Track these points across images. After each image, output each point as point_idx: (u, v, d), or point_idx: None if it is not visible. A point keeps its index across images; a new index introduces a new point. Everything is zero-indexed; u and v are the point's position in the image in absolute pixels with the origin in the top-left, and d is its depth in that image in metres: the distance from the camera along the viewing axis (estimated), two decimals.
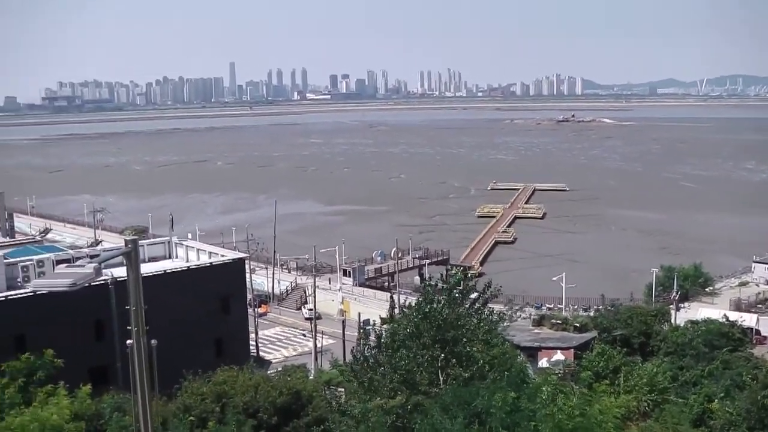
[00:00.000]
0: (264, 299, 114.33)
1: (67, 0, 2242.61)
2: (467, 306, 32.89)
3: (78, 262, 12.22)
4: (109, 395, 35.73)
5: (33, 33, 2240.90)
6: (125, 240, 13.51)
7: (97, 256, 46.46)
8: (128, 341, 13.39)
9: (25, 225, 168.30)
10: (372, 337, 34.09)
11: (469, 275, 35.03)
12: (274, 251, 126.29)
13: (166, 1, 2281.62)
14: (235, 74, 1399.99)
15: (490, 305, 34.19)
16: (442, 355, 30.51)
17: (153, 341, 13.63)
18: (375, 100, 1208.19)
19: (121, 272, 28.78)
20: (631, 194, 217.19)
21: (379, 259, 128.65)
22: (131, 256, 13.16)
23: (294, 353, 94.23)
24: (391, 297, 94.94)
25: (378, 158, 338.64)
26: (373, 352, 33.01)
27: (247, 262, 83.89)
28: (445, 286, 32.33)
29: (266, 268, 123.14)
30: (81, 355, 52.65)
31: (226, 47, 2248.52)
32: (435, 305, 31.03)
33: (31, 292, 64.43)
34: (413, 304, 33.57)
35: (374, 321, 57.13)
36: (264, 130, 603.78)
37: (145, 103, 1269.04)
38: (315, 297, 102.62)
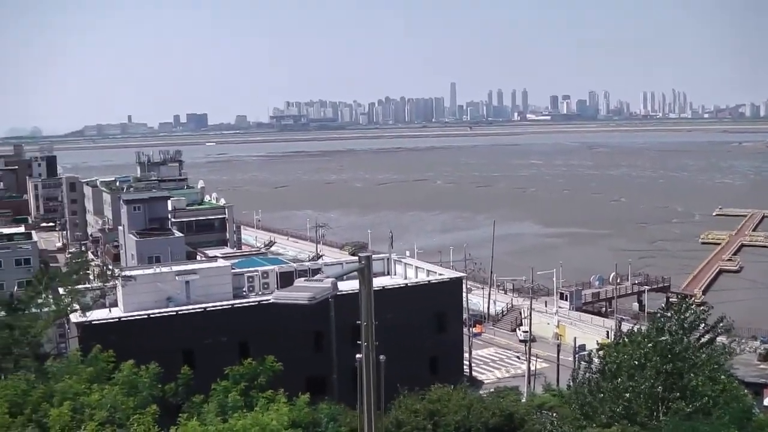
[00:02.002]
0: (479, 319, 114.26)
1: (294, 23, 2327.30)
2: (696, 338, 31.61)
3: (316, 277, 12.57)
4: (326, 405, 36.56)
5: (262, 56, 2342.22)
6: (359, 257, 13.71)
7: (318, 270, 47.97)
8: (357, 355, 13.56)
9: (251, 237, 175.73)
10: (596, 361, 33.34)
11: (703, 308, 33.64)
12: (491, 271, 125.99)
13: (388, 24, 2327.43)
14: (456, 94, 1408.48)
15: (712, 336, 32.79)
16: (661, 387, 29.49)
17: (381, 357, 13.74)
18: (596, 121, 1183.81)
19: (341, 286, 29.43)
20: None
21: (597, 283, 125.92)
22: (365, 273, 13.37)
23: (507, 375, 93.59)
24: (620, 323, 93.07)
25: (598, 180, 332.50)
26: (594, 377, 32.31)
27: (464, 281, 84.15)
28: (676, 316, 31.16)
29: (482, 288, 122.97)
30: (300, 365, 54.11)
31: (447, 68, 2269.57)
32: (666, 336, 29.98)
33: (255, 301, 67.22)
34: (640, 332, 32.62)
35: (596, 346, 55.98)
36: (483, 150, 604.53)
37: (368, 123, 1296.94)
38: (530, 319, 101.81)
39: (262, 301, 66.37)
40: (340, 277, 12.90)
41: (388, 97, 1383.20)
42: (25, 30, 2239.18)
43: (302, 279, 12.77)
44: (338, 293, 14.02)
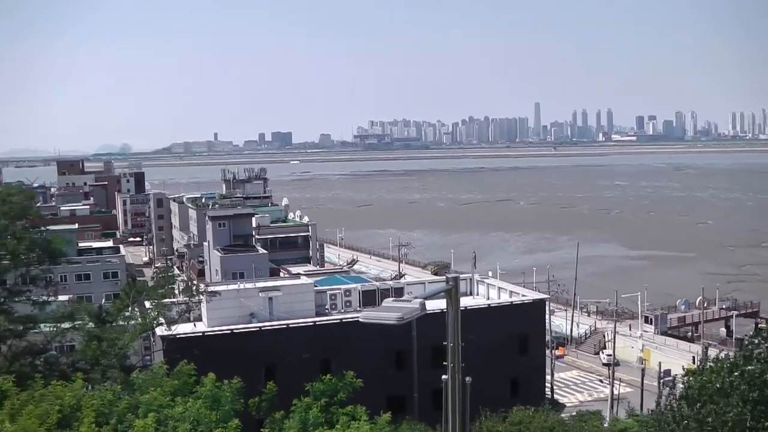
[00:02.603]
0: (562, 341, 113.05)
1: (378, 44, 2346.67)
2: None
3: (404, 297, 12.53)
4: (407, 425, 36.46)
5: (347, 75, 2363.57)
6: (447, 278, 13.63)
7: (401, 289, 47.98)
8: (443, 377, 13.45)
9: (334, 255, 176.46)
10: (679, 386, 32.55)
11: None
12: (575, 293, 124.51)
13: (472, 44, 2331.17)
14: (540, 114, 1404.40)
15: None
16: (749, 415, 28.61)
17: (467, 378, 13.61)
18: (683, 142, 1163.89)
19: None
20: None
21: (683, 307, 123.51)
22: (452, 294, 13.28)
23: (589, 398, 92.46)
24: (706, 349, 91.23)
25: (684, 202, 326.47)
26: (678, 403, 31.52)
27: (547, 303, 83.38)
28: (765, 343, 30.23)
29: (565, 310, 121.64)
30: (381, 384, 54.15)
31: (531, 88, 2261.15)
32: (755, 363, 29.08)
33: (337, 319, 67.45)
34: (727, 358, 31.77)
35: (682, 371, 54.61)
36: (567, 170, 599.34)
37: (451, 142, 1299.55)
38: (614, 342, 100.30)
39: (344, 318, 66.62)
40: (426, 298, 12.83)
41: (471, 117, 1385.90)
42: (116, 51, 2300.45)
43: (390, 299, 12.70)
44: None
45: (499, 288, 79.93)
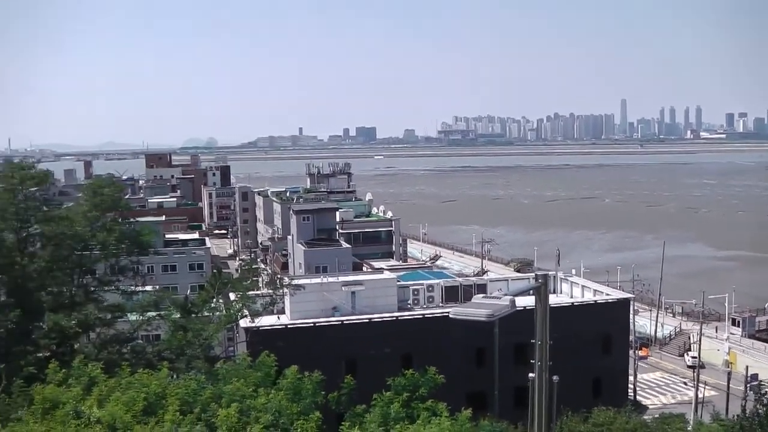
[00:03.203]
0: (645, 342, 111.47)
1: (462, 39, 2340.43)
2: None
3: (494, 294, 12.48)
4: (488, 421, 36.32)
5: (432, 70, 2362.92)
6: (536, 275, 13.56)
7: (484, 286, 47.79)
8: (530, 374, 13.38)
9: (417, 251, 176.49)
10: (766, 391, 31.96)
11: None
12: (660, 293, 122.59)
13: (557, 40, 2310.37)
14: (626, 111, 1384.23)
15: None
16: None
17: (555, 377, 13.51)
18: None
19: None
20: None
21: None
22: (541, 291, 13.21)
23: (673, 401, 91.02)
24: None
25: None
26: (765, 408, 30.93)
27: (631, 302, 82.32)
28: None
29: (650, 311, 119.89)
30: (461, 380, 54.05)
31: (617, 84, 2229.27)
32: None
33: (419, 314, 67.56)
34: None
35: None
36: (654, 168, 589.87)
37: (536, 139, 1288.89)
38: (700, 345, 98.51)
39: (426, 314, 66.68)
40: (515, 295, 12.77)
41: (557, 113, 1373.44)
42: (204, 48, 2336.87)
43: (480, 295, 12.66)
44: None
45: (583, 286, 79.20)
